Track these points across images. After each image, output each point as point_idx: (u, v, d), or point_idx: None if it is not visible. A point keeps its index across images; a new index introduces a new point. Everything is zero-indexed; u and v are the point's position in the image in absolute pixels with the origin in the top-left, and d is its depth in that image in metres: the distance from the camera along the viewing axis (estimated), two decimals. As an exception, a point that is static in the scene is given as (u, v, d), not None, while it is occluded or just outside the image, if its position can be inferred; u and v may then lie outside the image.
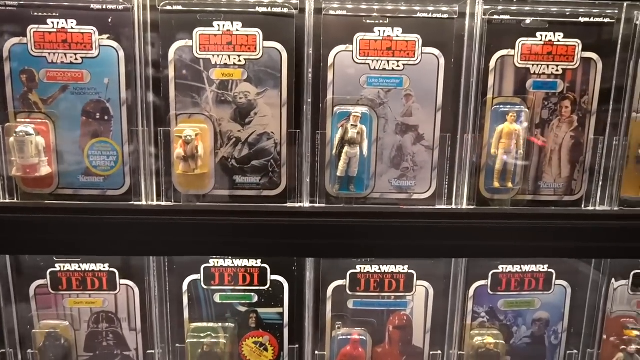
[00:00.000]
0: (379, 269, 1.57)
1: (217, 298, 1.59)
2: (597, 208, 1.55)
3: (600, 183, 1.54)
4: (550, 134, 1.51)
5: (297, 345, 1.64)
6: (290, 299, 1.60)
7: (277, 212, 1.47)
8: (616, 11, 1.44)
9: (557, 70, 1.47)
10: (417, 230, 1.47)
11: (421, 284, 1.59)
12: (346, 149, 1.45)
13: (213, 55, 1.41)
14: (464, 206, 1.51)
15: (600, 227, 1.49)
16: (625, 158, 1.50)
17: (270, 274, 1.58)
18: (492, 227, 1.47)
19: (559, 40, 1.45)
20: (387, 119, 1.48)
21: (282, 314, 1.60)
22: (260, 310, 1.60)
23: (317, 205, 1.51)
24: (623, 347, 1.63)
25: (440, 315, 1.61)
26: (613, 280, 1.60)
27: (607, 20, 1.46)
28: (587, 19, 1.45)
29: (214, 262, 1.57)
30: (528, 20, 1.44)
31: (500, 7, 1.43)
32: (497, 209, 1.51)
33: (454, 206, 1.52)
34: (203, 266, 1.57)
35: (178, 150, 1.41)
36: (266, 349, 1.62)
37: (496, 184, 1.50)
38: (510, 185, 1.50)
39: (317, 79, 1.45)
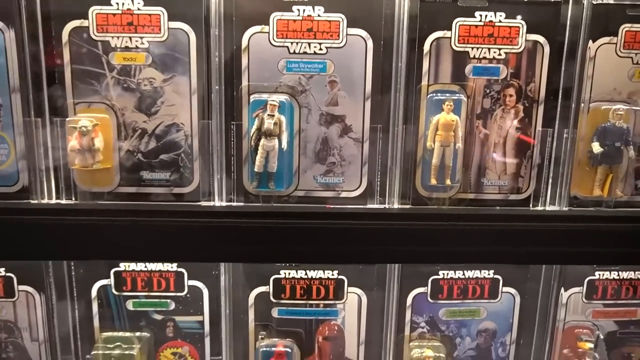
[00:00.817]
0: (306, 274, 1.43)
1: (129, 305, 1.45)
2: (547, 208, 1.41)
3: (550, 180, 1.41)
4: (493, 126, 1.37)
5: (220, 357, 1.52)
6: (210, 306, 1.46)
7: (188, 211, 1.33)
8: (564, -12, 1.31)
9: (500, 55, 1.32)
10: (345, 232, 1.33)
11: (353, 291, 1.45)
12: (263, 141, 1.31)
13: (112, 37, 1.27)
14: (398, 206, 1.38)
15: (550, 229, 1.36)
16: (575, 153, 1.38)
17: (188, 279, 1.45)
18: (428, 230, 1.33)
19: (500, 21, 1.31)
20: (310, 109, 1.34)
21: (202, 323, 1.47)
22: (178, 318, 1.47)
23: (234, 204, 1.38)
24: (577, 360, 1.50)
25: (376, 325, 1.48)
26: (562, 288, 1.47)
27: (554, -2, 1.32)
28: (531, -3, 1.31)
29: (124, 265, 1.44)
30: (465, -2, 1.31)
31: (431, -17, 1.29)
32: (434, 209, 1.37)
33: (386, 205, 1.39)
34: (113, 270, 1.44)
35: (72, 143, 1.27)
36: (186, 361, 1.50)
37: (433, 181, 1.35)
38: (448, 182, 1.35)
39: (230, 63, 1.32)
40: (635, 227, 1.36)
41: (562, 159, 1.37)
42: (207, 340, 1.47)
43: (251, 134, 1.31)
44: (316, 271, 1.43)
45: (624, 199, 1.41)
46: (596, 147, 1.36)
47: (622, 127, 1.34)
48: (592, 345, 1.46)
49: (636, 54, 1.33)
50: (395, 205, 1.36)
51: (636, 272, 1.49)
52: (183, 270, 1.44)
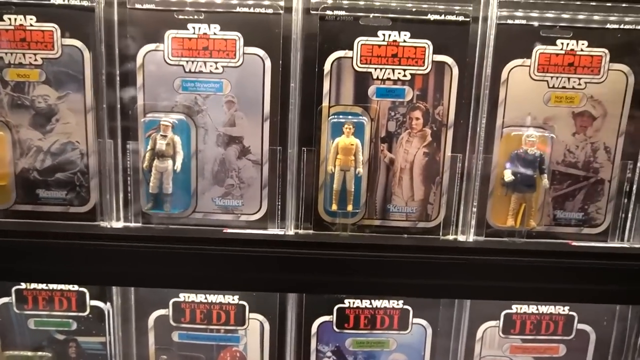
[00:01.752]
0: (205, 298, 1.39)
1: (31, 324, 1.44)
2: (458, 237, 1.34)
3: (462, 208, 1.34)
4: (399, 150, 1.31)
5: (126, 380, 1.49)
6: (114, 327, 1.44)
7: (82, 234, 1.30)
8: (470, 8, 1.24)
9: (405, 76, 1.27)
10: (243, 259, 1.29)
11: (255, 317, 1.40)
12: (156, 162, 1.28)
13: (6, 54, 1.26)
14: (296, 231, 1.33)
15: (457, 262, 1.30)
16: (491, 180, 1.31)
17: (90, 299, 1.43)
18: (328, 259, 1.28)
19: (405, 41, 1.25)
20: (207, 129, 1.30)
21: (105, 344, 1.45)
22: (80, 339, 1.45)
23: (131, 225, 1.35)
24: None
25: (279, 352, 1.43)
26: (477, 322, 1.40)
27: (461, 18, 1.25)
28: (437, 17, 1.25)
29: (26, 284, 1.43)
30: (367, 17, 1.25)
31: (330, 1, 1.24)
32: (334, 237, 1.32)
33: (287, 232, 1.34)
34: (14, 288, 1.42)
35: (-39, 160, 1.27)
36: (88, 382, 1.47)
37: (334, 207, 1.29)
38: (350, 208, 1.30)
39: (126, 81, 1.29)
40: (549, 261, 1.30)
41: (472, 187, 1.32)
42: (111, 363, 1.46)
43: (146, 155, 1.29)
44: (216, 295, 1.39)
45: (543, 229, 1.36)
46: (507, 175, 1.28)
47: (534, 154, 1.27)
48: (506, 383, 1.39)
49: (552, 77, 1.28)
50: (292, 232, 1.31)
51: (557, 307, 1.42)
52: (84, 290, 1.42)
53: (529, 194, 1.30)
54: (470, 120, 1.29)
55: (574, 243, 1.33)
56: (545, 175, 1.29)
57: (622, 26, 1.27)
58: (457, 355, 1.42)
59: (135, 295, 1.42)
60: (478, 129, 1.26)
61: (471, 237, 1.30)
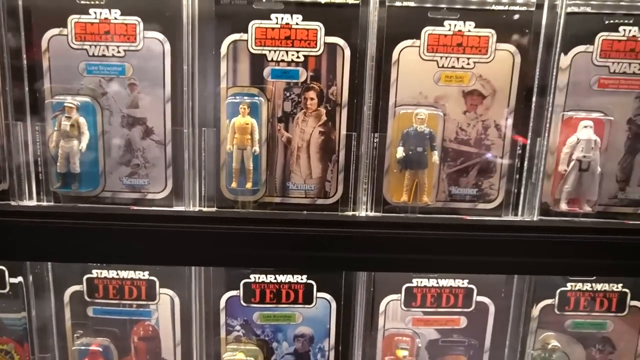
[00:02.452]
0: (117, 274, 1.45)
1: (-47, 302, 1.51)
2: (360, 213, 1.40)
3: (362, 185, 1.39)
4: (295, 129, 1.36)
5: (48, 355, 1.55)
6: (29, 303, 1.50)
7: (-2, 211, 1.37)
8: (358, -11, 1.29)
9: (298, 57, 1.32)
10: (150, 234, 1.34)
11: (165, 292, 1.45)
12: (62, 142, 1.34)
13: None
14: (204, 209, 1.39)
15: (354, 235, 1.35)
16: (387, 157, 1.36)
17: (9, 277, 1.48)
18: (231, 233, 1.34)
19: (297, 24, 1.30)
20: (111, 111, 1.35)
21: (26, 320, 1.51)
22: (1, 315, 1.51)
23: (44, 204, 1.41)
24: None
25: (189, 327, 1.49)
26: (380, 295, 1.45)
27: (351, 1, 1.30)
28: (328, 0, 1.30)
29: (-56, 264, 1.49)
30: (260, 1, 1.30)
31: (223, -15, 1.29)
32: (236, 213, 1.37)
33: (192, 208, 1.39)
34: (-63, 267, 1.50)
35: None
36: (12, 358, 1.53)
37: (234, 184, 1.35)
38: (249, 185, 1.36)
39: (33, 65, 1.35)
40: (442, 234, 1.35)
41: (369, 164, 1.37)
42: (32, 338, 1.52)
43: (50, 135, 1.34)
44: (127, 272, 1.45)
45: (440, 205, 1.41)
46: (399, 152, 1.33)
47: (423, 131, 1.33)
48: (406, 353, 1.44)
49: (441, 57, 1.32)
50: (196, 209, 1.37)
51: (457, 280, 1.47)
52: (3, 267, 1.48)
53: (421, 171, 1.35)
54: (364, 100, 1.35)
55: (468, 217, 1.40)
56: (436, 152, 1.34)
57: (508, 7, 1.32)
58: (360, 328, 1.48)
59: (53, 272, 1.48)
60: (365, 109, 1.32)
61: (369, 213, 1.36)
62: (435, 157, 1.33)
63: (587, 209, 1.37)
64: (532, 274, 1.47)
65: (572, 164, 1.34)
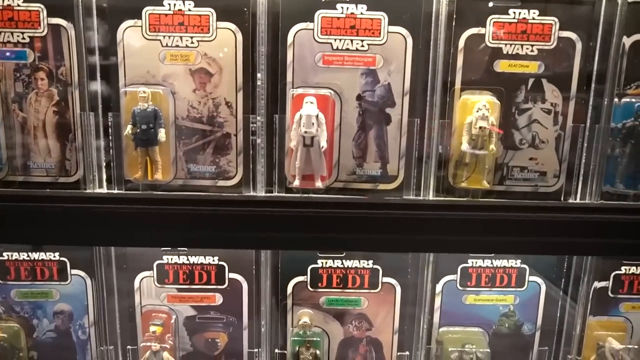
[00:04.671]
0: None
1: None
2: (103, 190, 1.43)
3: (103, 164, 1.43)
4: (30, 109, 1.41)
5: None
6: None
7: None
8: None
9: (24, 38, 1.35)
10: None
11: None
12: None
13: None
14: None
15: (96, 211, 1.37)
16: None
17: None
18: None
19: (19, 5, 1.33)
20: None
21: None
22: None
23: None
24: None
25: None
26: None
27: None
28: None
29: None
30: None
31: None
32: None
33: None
34: None
35: None
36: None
37: (-23, 164, 1.41)
38: (-12, 164, 1.41)
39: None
40: (183, 209, 1.37)
41: (106, 143, 1.40)
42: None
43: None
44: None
45: (181, 183, 1.44)
46: (127, 130, 1.37)
47: (147, 109, 1.35)
48: (155, 329, 1.47)
49: (164, 36, 1.35)
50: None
51: (207, 257, 1.50)
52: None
53: (151, 148, 1.39)
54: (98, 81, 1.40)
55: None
56: (163, 129, 1.38)
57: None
58: (116, 305, 1.53)
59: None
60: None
61: (112, 191, 1.40)
62: (162, 134, 1.38)
63: (319, 184, 1.41)
64: (281, 249, 1.51)
65: (297, 139, 1.39)
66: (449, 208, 1.43)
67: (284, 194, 1.43)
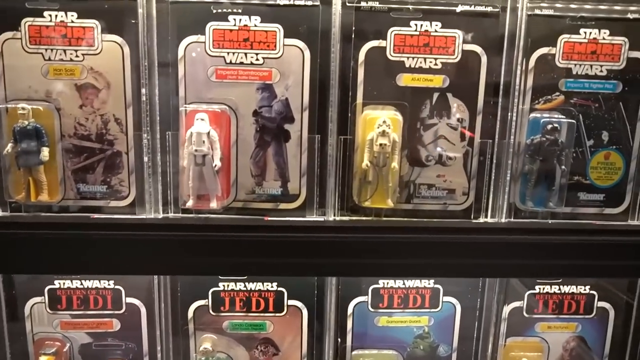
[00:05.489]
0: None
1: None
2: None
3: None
4: None
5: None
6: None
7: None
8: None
9: None
10: None
11: None
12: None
13: None
14: None
15: None
16: None
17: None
18: None
19: None
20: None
21: None
22: None
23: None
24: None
25: None
26: None
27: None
28: None
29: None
30: None
31: None
32: None
33: None
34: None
35: None
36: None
37: None
38: None
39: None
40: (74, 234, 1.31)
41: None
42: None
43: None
44: None
45: (71, 203, 1.37)
46: (7, 149, 1.31)
47: (26, 126, 1.27)
48: (45, 359, 1.41)
49: (46, 49, 1.29)
50: None
51: (102, 281, 1.44)
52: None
53: (35, 167, 1.32)
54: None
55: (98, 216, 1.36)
56: (46, 148, 1.31)
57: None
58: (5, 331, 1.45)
59: None
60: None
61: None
62: (45, 153, 1.30)
63: (214, 205, 1.35)
64: (173, 274, 1.44)
65: (188, 158, 1.33)
66: (351, 230, 1.38)
67: (179, 214, 1.37)
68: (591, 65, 1.37)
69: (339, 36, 1.30)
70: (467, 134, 1.37)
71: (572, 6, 1.33)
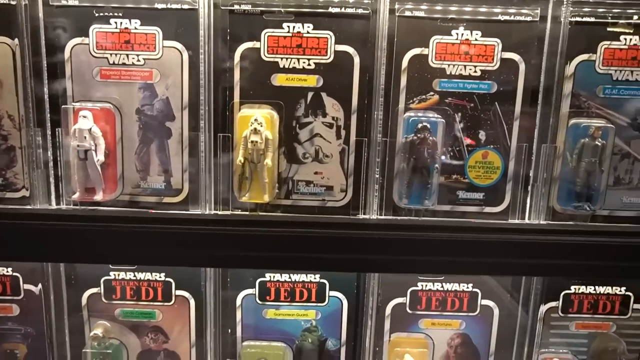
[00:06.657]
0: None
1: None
2: None
3: None
4: None
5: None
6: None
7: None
8: None
9: None
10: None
11: None
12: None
13: None
14: None
15: None
16: None
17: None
18: None
19: None
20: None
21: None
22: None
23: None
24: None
25: None
26: None
27: None
28: None
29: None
30: None
31: None
32: None
33: None
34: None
35: None
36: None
37: None
38: None
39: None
40: None
41: None
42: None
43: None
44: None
45: None
46: None
47: None
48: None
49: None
50: None
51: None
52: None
53: None
54: None
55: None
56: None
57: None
58: None
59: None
60: None
61: None
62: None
63: (98, 197, 1.43)
64: (69, 262, 1.53)
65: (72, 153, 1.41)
66: (230, 223, 1.44)
67: (69, 206, 1.46)
68: (465, 66, 1.42)
69: (213, 36, 1.38)
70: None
71: (438, 7, 1.39)
